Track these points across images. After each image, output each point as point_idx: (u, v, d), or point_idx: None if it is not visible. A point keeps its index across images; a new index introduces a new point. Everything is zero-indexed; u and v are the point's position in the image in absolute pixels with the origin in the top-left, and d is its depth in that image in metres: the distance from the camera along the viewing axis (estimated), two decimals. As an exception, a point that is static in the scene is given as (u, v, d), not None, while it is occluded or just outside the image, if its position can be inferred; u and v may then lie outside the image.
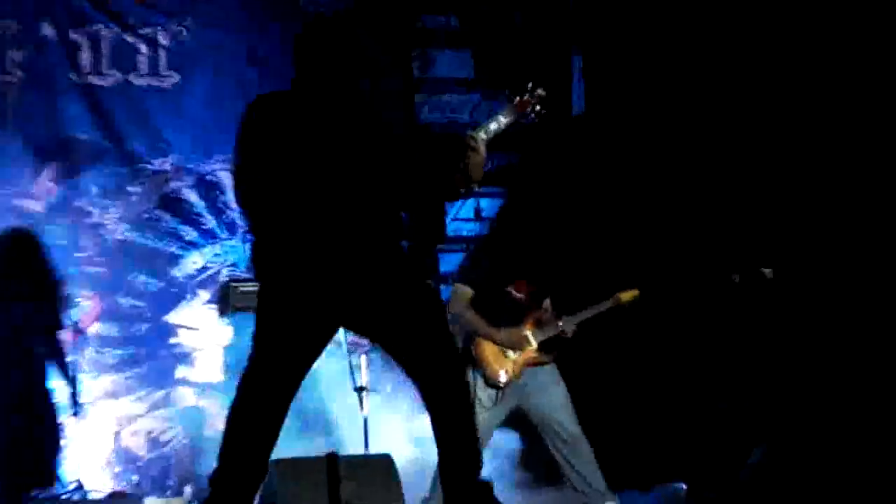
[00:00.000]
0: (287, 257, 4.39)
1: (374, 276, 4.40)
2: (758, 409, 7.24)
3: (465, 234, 9.06)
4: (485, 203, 8.93)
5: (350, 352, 7.07)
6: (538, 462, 6.90)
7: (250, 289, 7.46)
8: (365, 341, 8.25)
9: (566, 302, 6.48)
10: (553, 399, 6.20)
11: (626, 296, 6.36)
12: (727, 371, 7.62)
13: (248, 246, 8.15)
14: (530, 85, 4.89)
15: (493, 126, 4.72)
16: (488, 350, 6.13)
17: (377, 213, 4.46)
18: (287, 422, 4.62)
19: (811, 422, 6.69)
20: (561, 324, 6.22)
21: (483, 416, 5.82)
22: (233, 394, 4.55)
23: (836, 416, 6.64)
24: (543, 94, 4.89)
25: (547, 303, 6.42)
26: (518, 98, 4.86)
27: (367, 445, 6.81)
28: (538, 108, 4.88)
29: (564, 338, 6.21)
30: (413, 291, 4.51)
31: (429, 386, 4.52)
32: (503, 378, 6.10)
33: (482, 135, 4.66)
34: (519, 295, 6.21)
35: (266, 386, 4.46)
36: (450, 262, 8.75)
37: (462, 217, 9.04)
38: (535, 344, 6.17)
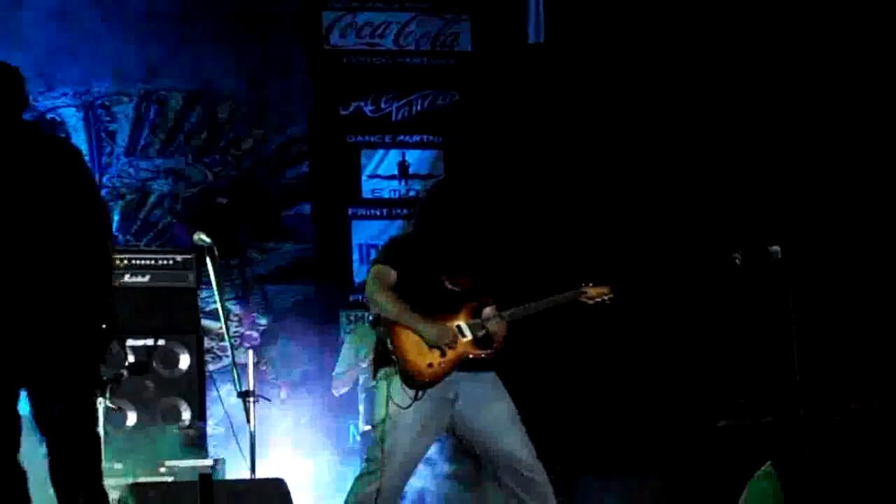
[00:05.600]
0: None
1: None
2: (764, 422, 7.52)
3: (386, 195, 9.12)
4: (412, 156, 9.09)
5: (233, 347, 7.01)
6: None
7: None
8: (254, 334, 8.71)
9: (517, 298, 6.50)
10: (496, 418, 6.09)
11: (595, 291, 6.28)
12: (727, 375, 7.94)
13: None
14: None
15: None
16: (408, 341, 6.04)
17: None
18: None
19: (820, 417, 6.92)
20: (507, 315, 6.13)
21: (399, 423, 5.86)
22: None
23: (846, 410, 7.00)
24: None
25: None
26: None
27: (253, 467, 6.78)
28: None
29: (501, 337, 6.14)
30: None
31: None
32: (425, 373, 6.01)
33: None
34: (453, 287, 6.16)
35: None
36: (365, 230, 8.91)
37: (382, 174, 9.12)
38: (469, 336, 6.08)
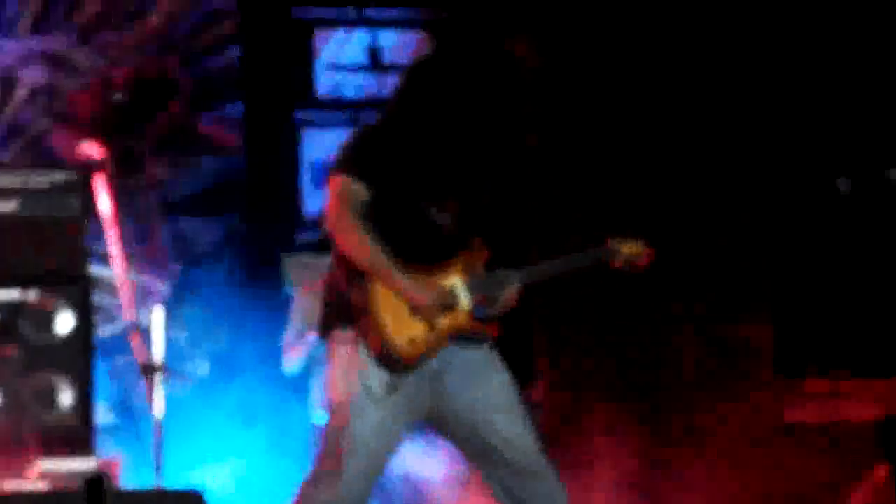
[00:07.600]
0: None
1: None
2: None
3: (350, 93, 8.69)
4: (386, 37, 8.58)
5: (134, 303, 7.12)
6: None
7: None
8: (163, 285, 8.54)
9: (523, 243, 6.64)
10: (492, 394, 5.63)
11: (627, 248, 5.90)
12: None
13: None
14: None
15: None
16: (386, 303, 5.49)
17: None
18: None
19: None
20: (514, 278, 5.66)
21: (363, 408, 5.40)
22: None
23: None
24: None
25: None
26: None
27: (159, 469, 6.71)
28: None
29: (503, 306, 5.72)
30: None
31: None
32: (405, 353, 5.50)
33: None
34: (443, 220, 5.64)
35: None
36: (321, 142, 8.45)
37: (345, 63, 8.67)
38: (466, 304, 5.55)
